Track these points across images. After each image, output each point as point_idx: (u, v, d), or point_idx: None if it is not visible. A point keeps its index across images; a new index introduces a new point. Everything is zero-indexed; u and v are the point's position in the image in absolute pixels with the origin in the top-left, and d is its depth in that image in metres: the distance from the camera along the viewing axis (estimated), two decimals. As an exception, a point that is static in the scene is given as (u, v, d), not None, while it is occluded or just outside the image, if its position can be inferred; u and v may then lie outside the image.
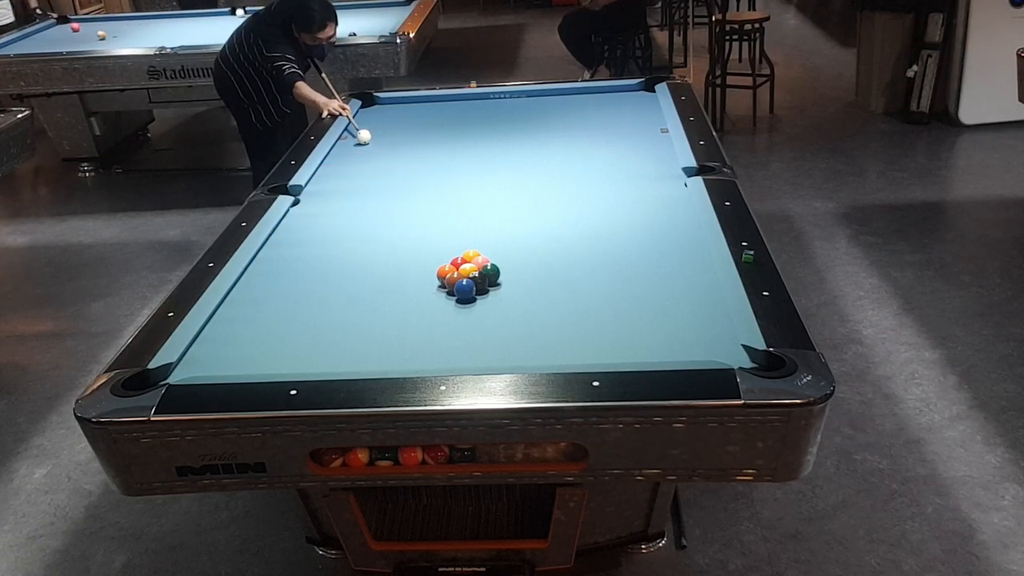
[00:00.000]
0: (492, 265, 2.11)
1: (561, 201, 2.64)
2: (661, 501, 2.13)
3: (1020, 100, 4.15)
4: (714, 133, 3.03)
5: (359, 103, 3.78)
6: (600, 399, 1.59)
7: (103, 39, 5.49)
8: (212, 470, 1.67)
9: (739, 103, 6.04)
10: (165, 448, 1.65)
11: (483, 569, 2.09)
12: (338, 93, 3.83)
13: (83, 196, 5.55)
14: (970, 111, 5.47)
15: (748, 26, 5.86)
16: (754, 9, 7.98)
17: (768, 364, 1.65)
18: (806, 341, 1.73)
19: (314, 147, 3.21)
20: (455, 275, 2.07)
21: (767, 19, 5.92)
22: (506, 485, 2.13)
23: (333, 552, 2.32)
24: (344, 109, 3.57)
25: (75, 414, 1.67)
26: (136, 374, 1.76)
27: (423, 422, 1.61)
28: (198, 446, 1.65)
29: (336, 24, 4.02)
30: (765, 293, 1.91)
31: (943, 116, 5.62)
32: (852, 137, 5.56)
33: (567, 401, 1.59)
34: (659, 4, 8.73)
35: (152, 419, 1.63)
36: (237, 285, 2.21)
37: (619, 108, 3.56)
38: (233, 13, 5.99)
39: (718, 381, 1.60)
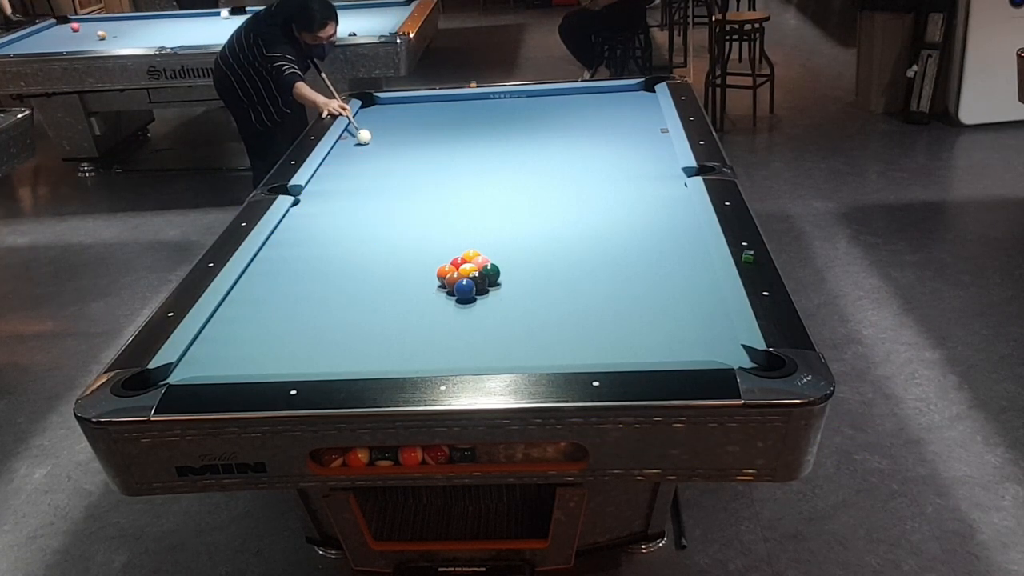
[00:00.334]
0: (492, 265, 2.11)
1: (561, 201, 2.64)
2: (661, 501, 2.13)
3: (1020, 100, 4.15)
4: (714, 133, 3.03)
5: (359, 103, 3.78)
6: (600, 399, 1.59)
7: (103, 39, 5.49)
8: (212, 470, 1.67)
9: (739, 103, 6.04)
10: (165, 448, 1.65)
11: (483, 569, 2.09)
12: (338, 93, 3.83)
13: (83, 196, 5.55)
14: (970, 111, 5.47)
15: (748, 26, 5.86)
16: (754, 9, 7.98)
17: (768, 364, 1.65)
18: (806, 341, 1.73)
19: (314, 147, 3.21)
20: (455, 275, 2.07)
21: (767, 19, 5.92)
22: (506, 485, 2.13)
23: (333, 552, 2.32)
24: (344, 109, 3.57)
25: (75, 414, 1.67)
26: (136, 374, 1.77)
27: (423, 422, 1.61)
28: (198, 446, 1.65)
29: (337, 23, 4.02)
30: (765, 293, 1.91)
31: (943, 116, 5.62)
32: (852, 137, 5.56)
33: (567, 401, 1.59)
34: (656, 2, 8.72)
35: (152, 419, 1.63)
36: (237, 285, 2.21)
37: (619, 108, 3.56)
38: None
39: (718, 381, 1.60)
